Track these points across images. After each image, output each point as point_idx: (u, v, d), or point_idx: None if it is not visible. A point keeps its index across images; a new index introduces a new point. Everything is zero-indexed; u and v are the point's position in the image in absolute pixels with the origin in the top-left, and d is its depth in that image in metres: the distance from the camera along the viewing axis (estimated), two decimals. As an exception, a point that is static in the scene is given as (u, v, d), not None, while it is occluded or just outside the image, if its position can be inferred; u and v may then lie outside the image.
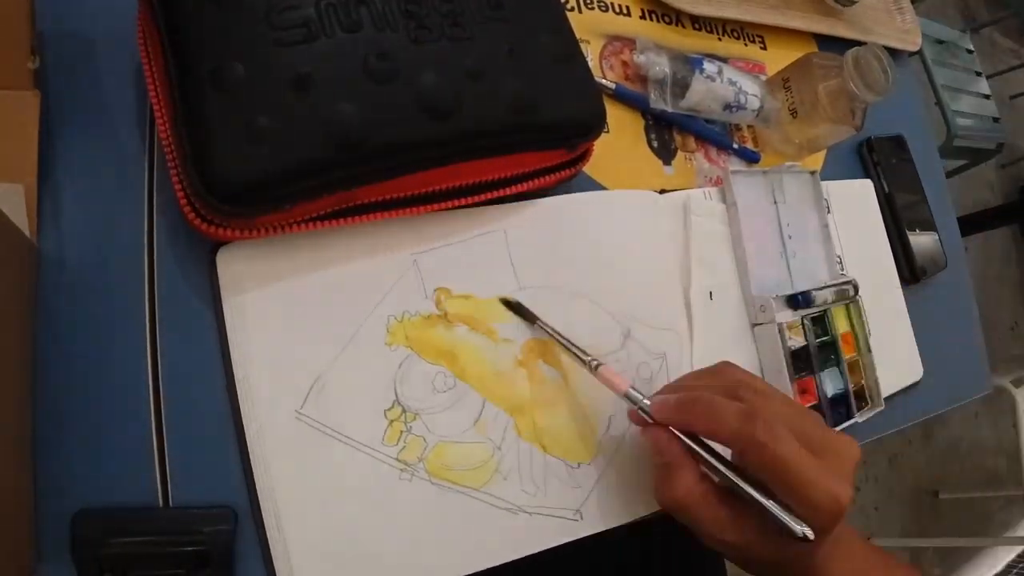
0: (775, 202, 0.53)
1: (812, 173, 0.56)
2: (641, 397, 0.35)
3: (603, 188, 0.48)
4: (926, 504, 1.98)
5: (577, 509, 0.39)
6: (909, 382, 0.60)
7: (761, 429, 0.30)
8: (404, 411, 0.36)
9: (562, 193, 0.43)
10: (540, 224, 0.42)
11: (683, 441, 0.33)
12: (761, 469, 0.30)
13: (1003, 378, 1.58)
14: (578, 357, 0.37)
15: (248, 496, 0.33)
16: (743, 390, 0.33)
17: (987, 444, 2.20)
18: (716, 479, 0.33)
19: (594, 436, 0.41)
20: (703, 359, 0.46)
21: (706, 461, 0.32)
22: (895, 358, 0.58)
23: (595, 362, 0.36)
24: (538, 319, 0.38)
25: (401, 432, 0.36)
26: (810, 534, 0.29)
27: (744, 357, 0.49)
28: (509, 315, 0.40)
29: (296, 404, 0.34)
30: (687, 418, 0.32)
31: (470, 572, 0.36)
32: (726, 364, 0.38)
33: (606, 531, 0.39)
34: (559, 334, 0.38)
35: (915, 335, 0.61)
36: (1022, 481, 1.50)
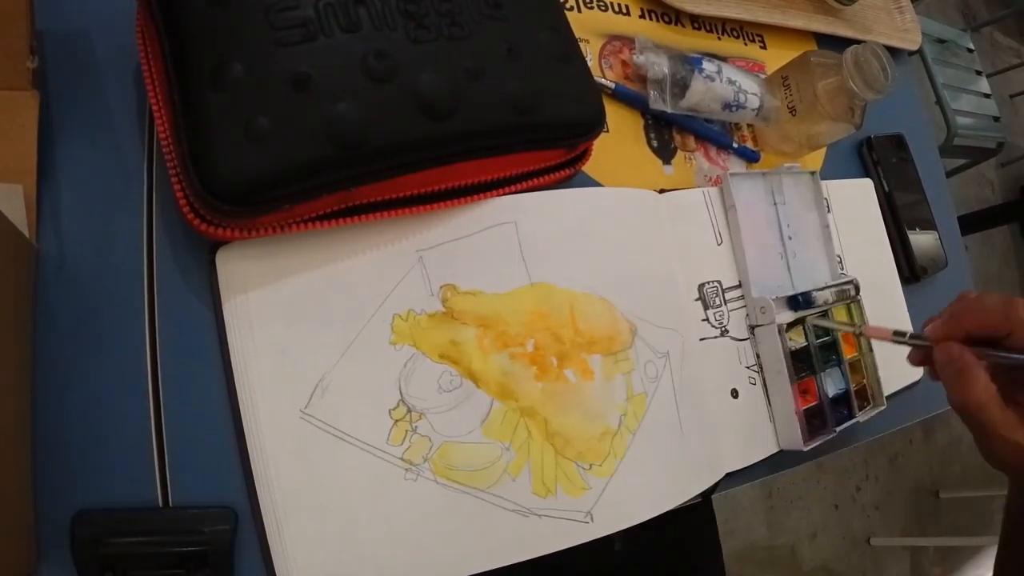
0: (775, 203, 0.53)
1: (812, 174, 0.56)
2: (905, 333, 0.40)
3: (602, 187, 0.48)
4: (926, 503, 1.98)
5: (588, 511, 0.39)
6: (910, 382, 0.60)
7: (1022, 308, 0.34)
8: (409, 411, 0.36)
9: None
10: (550, 216, 0.42)
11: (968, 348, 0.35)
12: (1018, 343, 0.34)
13: None
14: (847, 330, 0.46)
15: (248, 496, 0.33)
16: (982, 296, 0.37)
17: (987, 443, 2.20)
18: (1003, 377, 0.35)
19: (606, 437, 0.41)
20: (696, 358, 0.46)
21: (993, 355, 0.35)
22: (895, 358, 0.58)
23: (860, 327, 0.45)
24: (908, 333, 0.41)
25: (406, 432, 0.36)
26: None
27: (742, 357, 0.49)
28: (517, 309, 0.40)
29: (300, 404, 0.34)
30: (961, 322, 0.36)
31: (475, 573, 0.36)
32: (964, 293, 0.40)
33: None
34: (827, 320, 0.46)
35: (915, 334, 0.61)
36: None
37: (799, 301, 0.49)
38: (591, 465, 0.40)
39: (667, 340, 0.45)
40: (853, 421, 0.51)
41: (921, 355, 0.40)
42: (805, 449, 0.47)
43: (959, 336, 0.36)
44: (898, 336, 0.40)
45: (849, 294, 0.53)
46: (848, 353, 0.53)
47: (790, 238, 0.53)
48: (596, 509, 0.39)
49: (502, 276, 0.40)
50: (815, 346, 0.50)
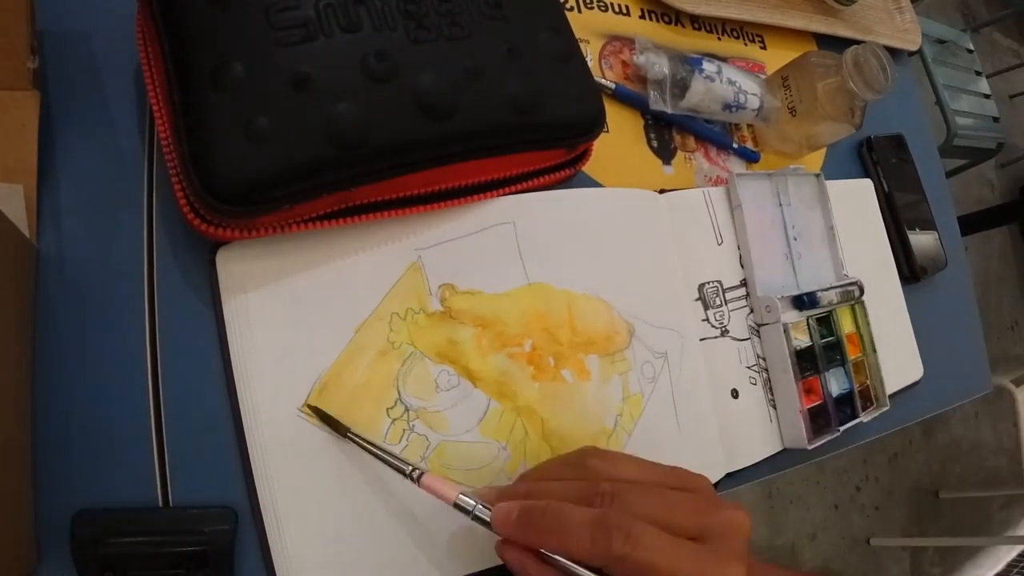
0: (780, 204, 0.53)
1: (817, 175, 0.56)
2: (475, 504, 0.30)
3: (602, 187, 0.48)
4: (926, 503, 1.98)
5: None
6: (909, 381, 0.60)
7: (617, 540, 0.26)
8: (407, 410, 0.36)
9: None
10: (549, 216, 0.42)
11: (544, 557, 0.28)
12: None
13: (1003, 378, 1.58)
14: (400, 470, 0.32)
15: (248, 496, 0.33)
16: (602, 483, 0.29)
17: (987, 444, 2.20)
18: None
19: (602, 438, 0.41)
20: (698, 359, 0.46)
21: (566, 567, 0.27)
22: (895, 358, 0.58)
23: (416, 471, 0.31)
24: (349, 430, 0.33)
25: (404, 431, 0.36)
26: None
27: (743, 357, 0.49)
28: (515, 309, 0.40)
29: (297, 403, 0.34)
30: (532, 536, 0.28)
31: (473, 572, 0.36)
32: (583, 451, 0.33)
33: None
34: (373, 444, 0.33)
35: (915, 334, 0.61)
36: (1023, 481, 1.50)
37: (804, 301, 0.49)
38: None
39: (666, 340, 0.45)
40: (856, 421, 0.51)
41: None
42: (809, 448, 0.47)
43: (529, 544, 0.28)
44: (461, 503, 0.30)
45: (853, 295, 0.53)
46: (852, 353, 0.53)
47: (795, 239, 0.53)
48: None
49: (500, 276, 0.40)
50: (819, 346, 0.50)
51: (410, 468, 0.31)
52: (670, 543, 0.27)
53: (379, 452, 0.32)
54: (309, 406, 0.34)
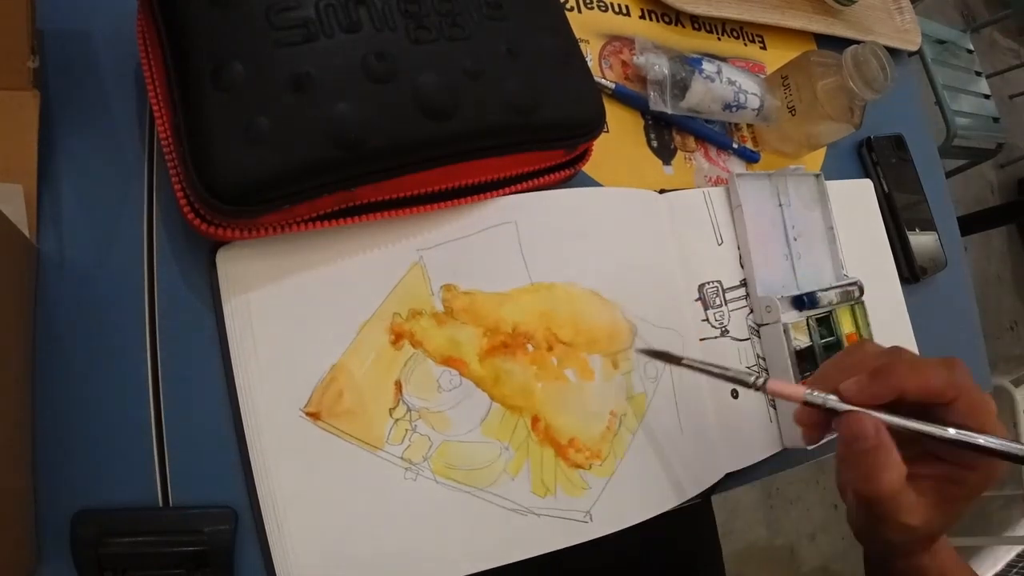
0: (780, 204, 0.53)
1: (817, 176, 0.56)
2: (826, 395, 0.31)
3: (603, 187, 0.48)
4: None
5: (587, 511, 0.39)
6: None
7: (965, 372, 0.30)
8: (409, 410, 0.36)
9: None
10: (550, 216, 0.42)
11: (890, 420, 0.30)
12: (969, 414, 0.29)
13: (1003, 378, 1.58)
14: (742, 381, 0.34)
15: (248, 496, 0.33)
16: (903, 352, 0.32)
17: (987, 444, 2.20)
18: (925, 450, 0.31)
19: (606, 437, 0.41)
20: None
21: (920, 430, 0.30)
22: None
23: (760, 379, 0.33)
24: (684, 358, 0.36)
25: (406, 431, 0.36)
26: None
27: (743, 357, 0.49)
28: (518, 309, 0.40)
29: (299, 404, 0.34)
30: (895, 383, 0.30)
31: (474, 572, 0.36)
32: (864, 341, 0.35)
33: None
34: (713, 365, 0.35)
35: (915, 335, 0.61)
36: (1022, 481, 1.50)
37: (804, 301, 0.49)
38: (591, 465, 0.40)
39: (667, 340, 0.45)
40: (854, 421, 0.51)
41: (816, 417, 0.32)
42: (809, 448, 0.47)
43: (887, 398, 0.30)
44: (811, 400, 0.31)
45: (853, 295, 0.53)
46: (850, 353, 0.53)
47: (795, 239, 0.53)
48: (595, 509, 0.39)
49: (502, 276, 0.40)
50: (819, 346, 0.50)
51: (753, 377, 0.33)
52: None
53: (717, 370, 0.35)
54: (645, 351, 0.38)
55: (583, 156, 0.42)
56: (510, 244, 0.40)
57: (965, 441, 0.29)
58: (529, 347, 0.39)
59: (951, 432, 0.29)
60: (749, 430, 0.48)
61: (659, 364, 0.44)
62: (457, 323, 0.38)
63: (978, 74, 1.76)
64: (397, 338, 0.36)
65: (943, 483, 0.31)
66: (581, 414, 0.40)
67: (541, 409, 0.39)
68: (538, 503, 0.38)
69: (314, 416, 0.34)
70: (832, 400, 0.31)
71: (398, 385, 0.36)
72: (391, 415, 0.36)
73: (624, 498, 0.40)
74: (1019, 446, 0.29)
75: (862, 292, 0.54)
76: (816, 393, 0.31)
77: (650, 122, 0.53)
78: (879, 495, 0.30)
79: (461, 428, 0.37)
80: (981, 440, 0.29)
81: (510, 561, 0.36)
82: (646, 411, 0.42)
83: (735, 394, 0.47)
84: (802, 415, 0.33)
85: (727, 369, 0.34)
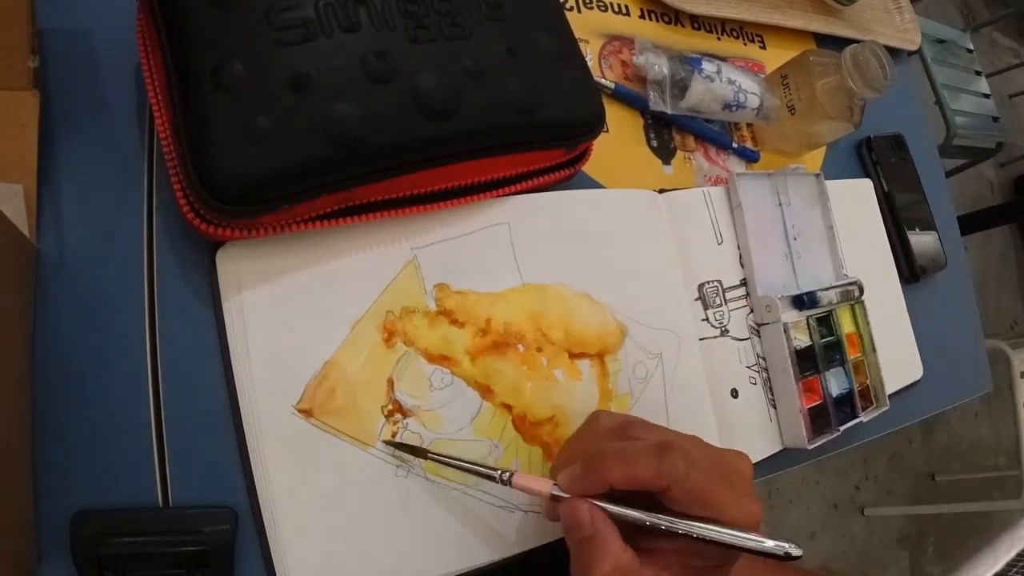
0: (780, 204, 0.53)
1: (817, 175, 0.56)
2: (555, 484, 0.31)
3: (602, 187, 0.48)
4: (926, 503, 1.98)
5: None
6: (909, 381, 0.60)
7: (680, 459, 0.28)
8: (401, 407, 0.36)
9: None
10: (544, 218, 0.42)
11: (601, 508, 0.29)
12: (686, 502, 0.28)
13: (1000, 341, 1.58)
14: (489, 476, 0.33)
15: (248, 496, 0.33)
16: (632, 429, 0.32)
17: (987, 443, 2.20)
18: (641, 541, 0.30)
19: (594, 435, 0.41)
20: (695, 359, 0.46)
21: (631, 517, 0.29)
22: (895, 357, 0.58)
23: (506, 473, 0.32)
24: (428, 451, 0.35)
25: (398, 429, 0.36)
26: (796, 551, 0.28)
27: (743, 356, 0.49)
28: (509, 309, 0.40)
29: (292, 400, 0.34)
30: (601, 475, 0.29)
31: (467, 568, 0.36)
32: (598, 413, 0.35)
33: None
34: (457, 459, 0.34)
35: (915, 334, 0.61)
36: (1022, 483, 1.50)
37: (804, 301, 0.49)
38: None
39: (661, 341, 0.45)
40: (856, 421, 0.51)
41: (554, 511, 0.32)
42: (809, 447, 0.48)
43: (597, 489, 0.29)
44: (556, 494, 0.30)
45: (853, 295, 0.53)
46: (852, 353, 0.53)
47: (795, 239, 0.53)
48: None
49: (495, 276, 0.40)
50: (819, 345, 0.50)
51: (499, 472, 0.33)
52: (714, 472, 0.29)
53: (464, 464, 0.34)
54: (386, 442, 0.35)
55: (583, 156, 0.42)
56: (503, 245, 0.40)
57: (678, 531, 0.28)
58: (520, 347, 0.40)
59: (659, 522, 0.28)
60: (749, 430, 0.48)
61: (650, 364, 0.44)
62: (449, 322, 0.38)
63: (978, 73, 1.76)
64: (390, 336, 0.37)
65: (686, 556, 0.29)
66: (569, 414, 0.40)
67: (531, 407, 0.39)
68: (527, 499, 0.38)
69: (307, 413, 0.34)
70: (557, 491, 0.30)
71: (390, 383, 0.36)
72: (383, 412, 0.36)
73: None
74: (727, 533, 0.28)
75: (862, 292, 0.54)
76: (555, 488, 0.30)
77: (650, 122, 0.53)
78: None
79: (452, 426, 0.37)
80: (687, 530, 0.28)
81: (501, 557, 0.37)
82: (629, 412, 0.43)
83: (735, 393, 0.47)
84: (551, 510, 0.33)
85: (474, 464, 0.34)
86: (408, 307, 0.37)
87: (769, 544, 0.28)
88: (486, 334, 0.39)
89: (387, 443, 0.35)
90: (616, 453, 0.29)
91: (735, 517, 0.28)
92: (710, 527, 0.28)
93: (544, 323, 0.40)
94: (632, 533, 0.29)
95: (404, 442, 0.36)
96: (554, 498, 0.31)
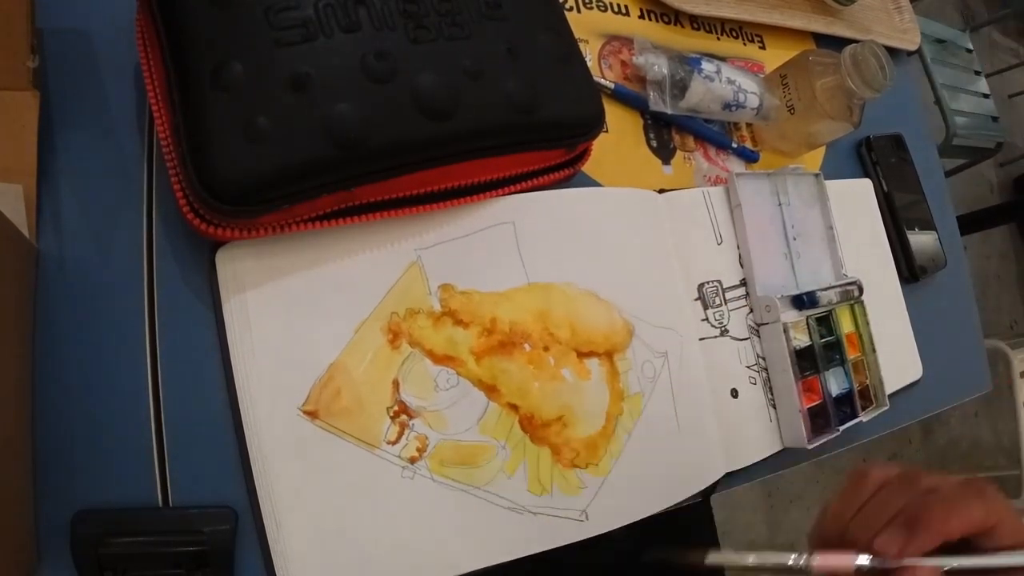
0: (779, 204, 0.53)
1: (816, 175, 0.56)
2: (871, 558, 0.29)
3: (602, 187, 0.48)
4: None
5: (583, 510, 0.39)
6: (909, 381, 0.60)
7: (997, 495, 0.28)
8: (407, 409, 0.36)
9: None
10: (548, 217, 0.42)
11: (947, 563, 0.28)
12: (1014, 535, 0.28)
13: (998, 341, 1.58)
14: (790, 568, 0.31)
15: (248, 496, 0.33)
16: (921, 480, 0.30)
17: (986, 444, 2.20)
18: None
19: (602, 437, 0.41)
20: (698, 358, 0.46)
21: (982, 564, 0.28)
22: (895, 357, 0.58)
23: (804, 558, 0.30)
24: (707, 554, 0.35)
25: (404, 430, 0.36)
26: None
27: (742, 356, 0.49)
28: (515, 308, 0.40)
29: (297, 402, 0.34)
30: (935, 530, 0.28)
31: (471, 570, 0.36)
32: (864, 469, 0.32)
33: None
34: (769, 553, 0.33)
35: (915, 334, 0.61)
36: (1022, 470, 1.50)
37: (803, 301, 0.49)
38: (587, 464, 0.40)
39: (665, 340, 0.45)
40: (856, 421, 0.51)
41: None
42: (809, 447, 0.48)
43: (932, 546, 0.28)
44: (863, 568, 0.29)
45: (853, 295, 0.53)
46: (851, 353, 0.53)
47: (795, 238, 0.53)
48: (591, 508, 0.39)
49: (500, 276, 0.40)
50: (819, 345, 0.50)
51: (797, 558, 0.31)
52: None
53: (772, 562, 0.32)
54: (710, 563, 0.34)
55: (583, 156, 0.42)
56: (507, 244, 0.40)
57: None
58: (526, 347, 0.39)
59: (1016, 560, 0.27)
60: (749, 430, 0.48)
61: (656, 363, 0.44)
62: (454, 323, 0.38)
63: (977, 73, 1.76)
64: (395, 337, 0.36)
65: None
66: (578, 414, 0.40)
67: (538, 409, 0.39)
68: (534, 502, 0.38)
69: (312, 415, 0.34)
70: (879, 560, 0.28)
71: (395, 384, 0.36)
72: (388, 413, 0.36)
73: (620, 497, 0.40)
74: None
75: (862, 291, 0.54)
76: (864, 558, 0.29)
77: (649, 122, 0.53)
78: None
79: (458, 427, 0.37)
80: None
81: (506, 559, 0.36)
82: (643, 411, 0.43)
83: (735, 393, 0.47)
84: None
85: (780, 561, 0.32)
86: (413, 308, 0.37)
87: None
88: (491, 334, 0.39)
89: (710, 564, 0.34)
90: (943, 504, 0.28)
91: None
92: None
93: (550, 322, 0.40)
94: None
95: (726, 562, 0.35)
96: (862, 570, 0.28)
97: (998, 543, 0.28)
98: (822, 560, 0.29)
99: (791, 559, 0.30)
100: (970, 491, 0.28)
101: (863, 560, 0.28)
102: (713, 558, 0.34)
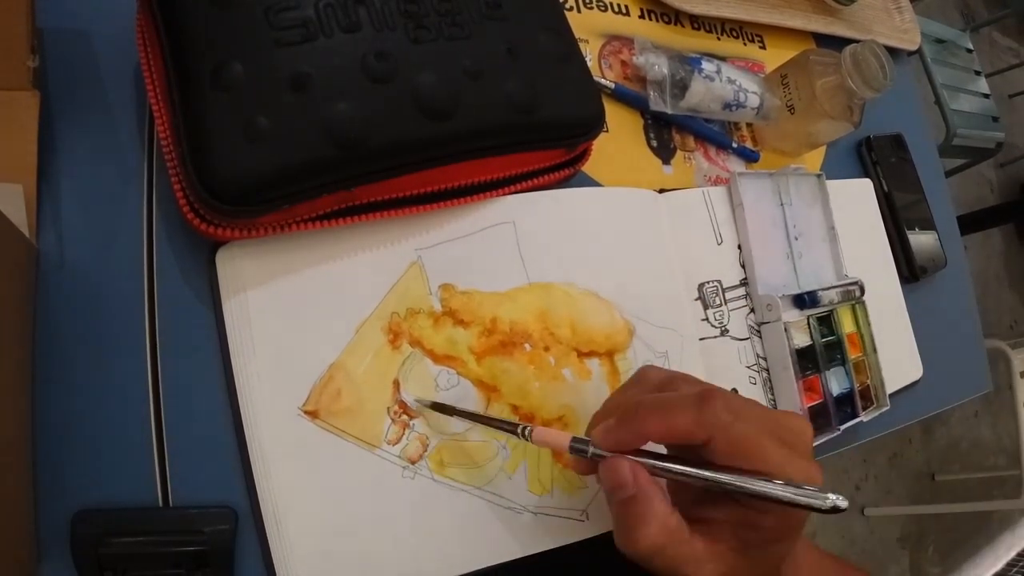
0: (781, 204, 0.53)
1: (818, 176, 0.56)
2: (586, 440, 0.29)
3: (602, 187, 0.48)
4: (926, 502, 1.98)
5: (583, 510, 0.39)
6: (909, 381, 0.60)
7: (723, 408, 0.26)
8: (407, 409, 0.36)
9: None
10: (548, 216, 0.42)
11: (645, 464, 0.27)
12: (731, 455, 0.26)
13: (999, 341, 1.58)
14: (509, 431, 0.32)
15: (248, 496, 0.33)
16: (674, 383, 0.30)
17: (987, 443, 2.20)
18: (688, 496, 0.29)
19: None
20: (698, 357, 0.46)
21: (677, 472, 0.27)
22: (895, 357, 0.58)
23: (527, 428, 0.31)
24: (455, 408, 0.35)
25: (404, 430, 0.36)
26: (843, 503, 0.25)
27: (743, 356, 0.49)
28: (515, 308, 0.40)
29: (298, 403, 0.34)
30: (638, 427, 0.27)
31: (471, 570, 0.36)
32: (646, 368, 0.33)
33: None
34: (481, 416, 0.35)
35: (915, 334, 0.61)
36: (1021, 484, 1.50)
37: (805, 300, 0.49)
38: None
39: (666, 340, 0.45)
40: (856, 420, 0.51)
41: (588, 464, 0.29)
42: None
43: (634, 444, 0.27)
44: (574, 447, 0.29)
45: (854, 295, 0.53)
46: (852, 353, 0.53)
47: (796, 238, 0.53)
48: (592, 507, 0.39)
49: (500, 276, 0.40)
50: (820, 345, 0.50)
51: (520, 427, 0.32)
52: (764, 427, 0.27)
53: (487, 420, 0.35)
54: (419, 400, 0.36)
55: (583, 156, 0.42)
56: (508, 244, 0.40)
57: (721, 484, 0.26)
58: (527, 347, 0.39)
59: (703, 476, 0.26)
60: (749, 429, 0.48)
61: (657, 363, 0.44)
62: (455, 322, 0.38)
63: (977, 73, 1.76)
64: (395, 337, 0.36)
65: (739, 528, 0.27)
66: (579, 414, 0.40)
67: (538, 409, 0.39)
68: (535, 502, 0.38)
69: (312, 415, 0.34)
70: (592, 448, 0.29)
71: (396, 384, 0.36)
72: (389, 413, 0.36)
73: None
74: (780, 488, 0.25)
75: (863, 292, 0.54)
76: (578, 440, 0.29)
77: (649, 121, 0.53)
78: (642, 549, 0.26)
79: (459, 427, 0.37)
80: (733, 483, 0.26)
81: (507, 560, 0.36)
82: None
83: (735, 393, 0.47)
84: (572, 461, 0.30)
85: (496, 419, 0.34)
86: (413, 308, 0.37)
87: (832, 498, 0.25)
88: (492, 334, 0.39)
89: (423, 402, 0.36)
90: (653, 403, 0.27)
91: (791, 477, 0.26)
92: (761, 481, 0.25)
93: (551, 322, 0.40)
94: (679, 502, 0.27)
95: (435, 401, 0.36)
96: (594, 457, 0.28)
97: (712, 458, 0.26)
98: (539, 435, 0.30)
99: (518, 429, 0.31)
100: (690, 399, 0.26)
101: (574, 443, 0.29)
102: (460, 410, 0.35)
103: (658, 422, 0.27)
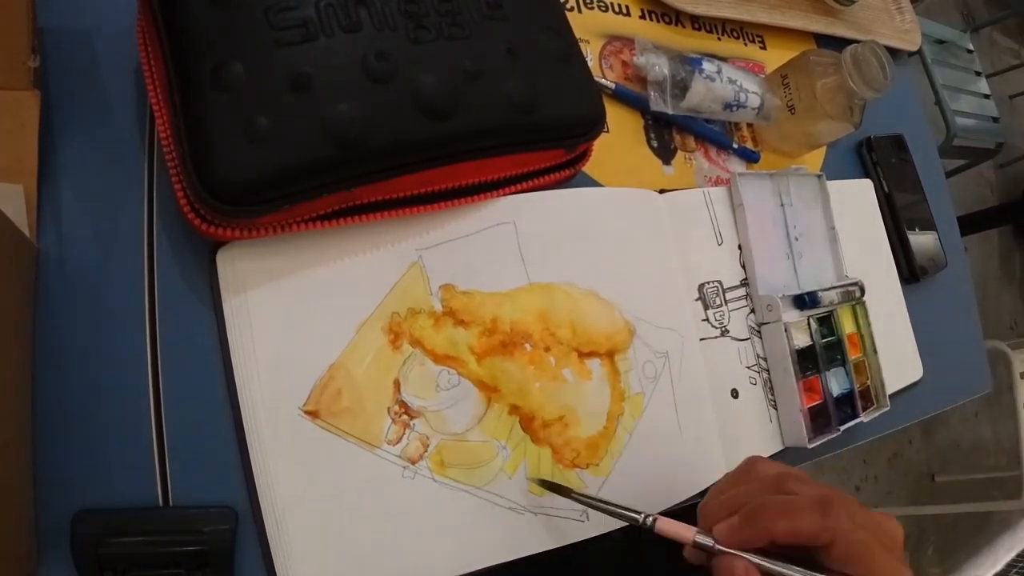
0: (782, 204, 0.53)
1: (819, 176, 0.56)
2: (709, 538, 0.30)
3: (603, 187, 0.48)
4: (926, 501, 1.98)
5: (584, 510, 0.39)
6: (909, 381, 0.60)
7: (844, 516, 0.27)
8: (407, 409, 0.36)
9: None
10: (549, 216, 0.42)
11: (762, 565, 0.28)
12: (846, 561, 0.27)
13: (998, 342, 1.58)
14: (631, 520, 0.33)
15: (248, 496, 0.33)
16: (789, 482, 0.31)
17: (987, 444, 2.20)
18: None
19: (603, 437, 0.41)
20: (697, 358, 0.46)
21: (788, 573, 0.28)
22: (895, 357, 0.58)
23: (650, 517, 0.32)
24: (572, 491, 0.35)
25: (404, 430, 0.36)
26: None
27: (743, 357, 0.49)
28: (516, 308, 0.40)
29: (298, 403, 0.34)
30: (763, 529, 0.28)
31: (472, 570, 0.36)
32: (755, 460, 0.34)
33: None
34: (601, 501, 0.34)
35: (915, 334, 0.61)
36: (1021, 486, 1.50)
37: (805, 300, 0.50)
38: (588, 464, 0.40)
39: (666, 340, 0.45)
40: (856, 421, 0.51)
41: (699, 553, 0.31)
42: (809, 447, 0.48)
43: (757, 543, 0.29)
44: (699, 543, 0.30)
45: (854, 295, 0.53)
46: (853, 353, 0.53)
47: (796, 239, 0.53)
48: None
49: (501, 276, 0.40)
50: (820, 345, 0.50)
51: (642, 516, 0.33)
52: (872, 530, 0.28)
53: (607, 507, 0.34)
54: (541, 481, 0.37)
55: (583, 156, 0.42)
56: (508, 244, 0.40)
57: None
58: (527, 347, 0.39)
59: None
60: (749, 430, 0.48)
61: (658, 364, 0.44)
62: (456, 323, 0.38)
63: (978, 74, 1.76)
64: (396, 337, 0.36)
65: None
66: (579, 414, 0.40)
67: (540, 409, 0.39)
68: (535, 502, 0.38)
69: (313, 415, 0.34)
70: (711, 541, 0.30)
71: (396, 384, 0.36)
72: (389, 414, 0.36)
73: (621, 497, 0.40)
74: None
75: (863, 292, 0.54)
76: (701, 536, 0.30)
77: (650, 122, 0.53)
78: None
79: (459, 427, 0.37)
80: None
81: (507, 559, 0.36)
82: (644, 411, 0.42)
83: (735, 393, 0.47)
84: (691, 553, 0.31)
85: (618, 507, 0.34)
86: (414, 308, 0.37)
87: None
88: (492, 334, 0.39)
89: (539, 481, 0.37)
90: (780, 505, 0.28)
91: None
92: None
93: (552, 322, 0.40)
94: None
95: (554, 481, 0.36)
96: (698, 545, 0.30)
97: (829, 561, 0.27)
98: (665, 525, 0.31)
99: (640, 517, 0.32)
100: (814, 502, 0.28)
101: (696, 537, 0.30)
102: (578, 496, 0.35)
103: (785, 525, 0.28)
